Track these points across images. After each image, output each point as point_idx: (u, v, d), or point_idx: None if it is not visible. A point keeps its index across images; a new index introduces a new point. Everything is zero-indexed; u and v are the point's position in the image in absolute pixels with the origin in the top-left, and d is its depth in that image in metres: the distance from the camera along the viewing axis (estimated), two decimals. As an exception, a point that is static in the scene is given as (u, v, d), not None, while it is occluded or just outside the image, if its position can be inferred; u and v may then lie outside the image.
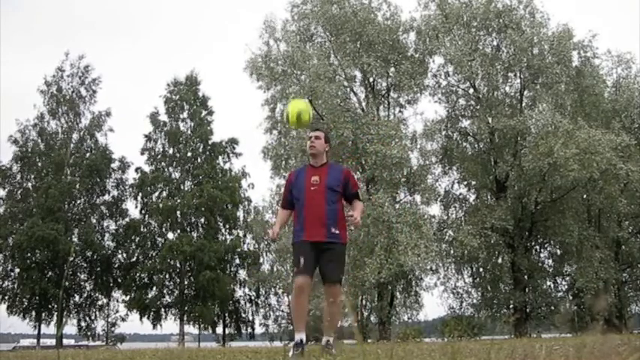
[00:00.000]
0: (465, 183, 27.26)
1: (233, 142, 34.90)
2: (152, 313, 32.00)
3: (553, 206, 24.25)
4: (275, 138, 25.60)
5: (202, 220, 33.09)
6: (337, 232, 5.02)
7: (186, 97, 34.27)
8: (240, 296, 34.70)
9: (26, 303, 30.92)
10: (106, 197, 33.80)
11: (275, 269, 32.74)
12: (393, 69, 24.91)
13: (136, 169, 34.10)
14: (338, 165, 5.57)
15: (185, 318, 31.92)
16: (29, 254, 30.30)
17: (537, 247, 27.46)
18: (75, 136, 33.16)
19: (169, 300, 32.73)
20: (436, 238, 23.66)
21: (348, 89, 25.16)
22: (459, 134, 26.42)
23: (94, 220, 33.38)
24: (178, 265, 32.20)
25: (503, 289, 25.18)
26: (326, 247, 4.98)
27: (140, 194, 33.68)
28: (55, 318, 31.46)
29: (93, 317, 32.91)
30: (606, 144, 21.07)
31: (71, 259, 31.66)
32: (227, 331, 34.21)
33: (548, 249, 27.85)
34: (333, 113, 22.88)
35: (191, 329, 33.43)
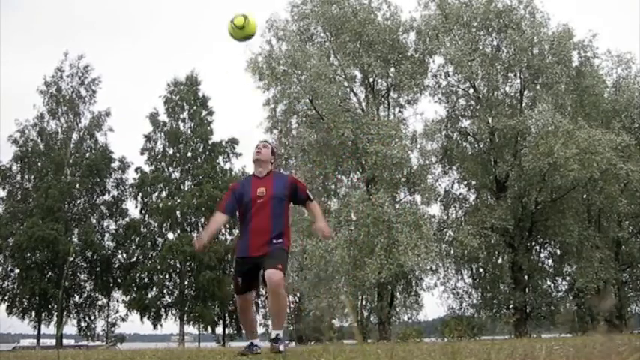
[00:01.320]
0: (465, 183, 27.25)
1: (233, 142, 34.91)
2: (152, 313, 32.01)
3: (553, 206, 24.25)
4: (275, 138, 25.60)
5: (202, 220, 33.10)
6: (280, 240, 4.98)
7: (186, 97, 34.29)
8: (241, 296, 34.67)
9: (26, 303, 30.92)
10: (106, 197, 33.83)
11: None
12: (393, 69, 24.90)
13: (136, 169, 34.12)
14: (282, 173, 5.59)
15: (185, 318, 31.93)
16: (29, 254, 30.30)
17: (537, 247, 27.44)
18: (75, 136, 33.18)
19: (169, 300, 32.73)
20: (436, 238, 23.66)
21: (348, 89, 25.16)
22: (459, 134, 26.41)
23: (94, 220, 33.39)
24: (178, 265, 32.21)
25: (503, 289, 25.16)
26: (266, 258, 4.93)
27: (140, 194, 33.69)
28: (55, 318, 31.47)
29: (93, 317, 32.91)
30: (606, 144, 21.06)
31: (71, 259, 31.67)
32: (227, 331, 34.23)
33: (548, 249, 27.84)
34: (333, 113, 22.88)
35: (191, 329, 33.46)
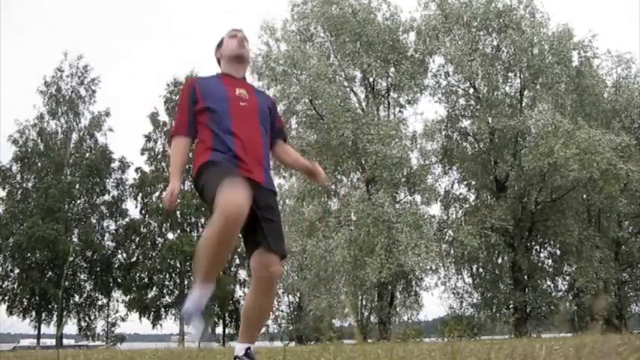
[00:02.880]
0: (465, 183, 27.28)
1: (233, 142, 34.90)
2: (152, 313, 32.03)
3: (553, 206, 24.26)
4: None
5: (202, 220, 33.14)
6: (274, 190, 3.28)
7: (187, 97, 34.30)
8: (240, 296, 34.74)
9: (26, 303, 30.94)
10: (106, 197, 33.87)
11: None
12: (393, 69, 24.92)
13: (136, 169, 34.15)
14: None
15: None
16: (29, 254, 30.33)
17: (537, 247, 27.46)
18: (74, 136, 33.22)
19: (169, 300, 32.75)
20: (436, 238, 23.66)
21: (348, 89, 25.18)
22: (459, 134, 26.42)
23: (94, 220, 33.43)
24: (178, 265, 32.23)
25: (503, 289, 25.18)
26: (263, 197, 3.08)
27: (140, 194, 33.72)
28: (55, 318, 31.50)
29: (93, 317, 32.96)
30: (606, 144, 21.07)
31: (71, 259, 31.71)
32: (227, 331, 34.25)
33: (548, 249, 27.85)
34: (333, 113, 22.89)
35: (191, 329, 33.50)
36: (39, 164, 32.39)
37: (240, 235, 3.02)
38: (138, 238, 33.45)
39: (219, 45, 3.53)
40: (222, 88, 3.30)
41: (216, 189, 2.74)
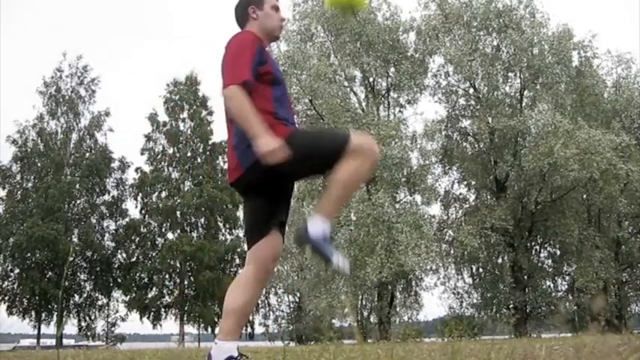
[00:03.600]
0: (465, 183, 27.30)
1: (233, 142, 34.83)
2: (152, 313, 32.02)
3: (553, 206, 24.27)
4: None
5: (202, 220, 33.11)
6: None
7: (186, 97, 34.30)
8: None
9: (26, 303, 30.92)
10: (106, 197, 33.84)
11: (275, 269, 32.72)
12: (393, 69, 24.94)
13: (136, 169, 34.14)
14: None
15: (185, 318, 31.93)
16: (29, 254, 30.31)
17: (537, 247, 27.47)
18: (74, 136, 33.18)
19: (169, 300, 32.73)
20: (436, 238, 23.68)
21: (348, 89, 25.19)
22: (459, 134, 26.44)
23: (94, 220, 33.40)
24: (178, 265, 32.21)
25: (503, 289, 25.19)
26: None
27: (140, 194, 33.72)
28: (55, 318, 31.47)
29: (93, 317, 32.92)
30: (606, 144, 21.09)
31: (71, 259, 31.69)
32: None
33: (548, 249, 27.87)
34: (333, 113, 22.90)
35: (191, 329, 33.46)
36: (39, 164, 32.36)
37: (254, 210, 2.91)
38: (138, 238, 33.43)
39: (258, 2, 3.03)
40: (275, 63, 2.93)
41: (341, 137, 2.68)
